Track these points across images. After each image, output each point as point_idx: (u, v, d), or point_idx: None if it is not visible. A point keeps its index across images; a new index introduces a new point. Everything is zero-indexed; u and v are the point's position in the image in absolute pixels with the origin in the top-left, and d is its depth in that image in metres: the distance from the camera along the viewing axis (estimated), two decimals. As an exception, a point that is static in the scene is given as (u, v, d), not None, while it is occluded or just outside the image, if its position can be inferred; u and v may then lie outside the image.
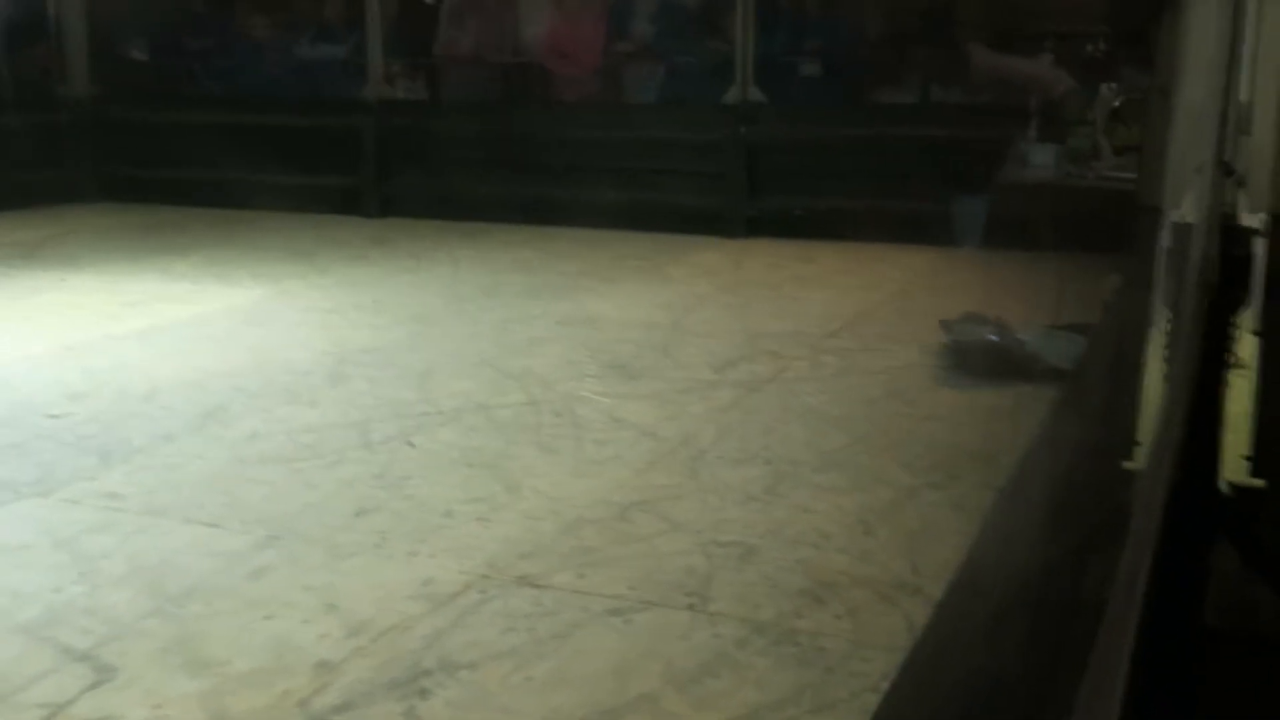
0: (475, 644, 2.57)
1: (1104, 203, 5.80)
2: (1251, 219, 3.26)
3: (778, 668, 2.49)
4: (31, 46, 10.07)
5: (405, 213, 8.93)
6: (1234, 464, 2.73)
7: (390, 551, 3.06)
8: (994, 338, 4.65)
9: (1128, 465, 2.08)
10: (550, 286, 6.48)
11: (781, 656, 2.53)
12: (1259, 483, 2.61)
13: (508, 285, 6.52)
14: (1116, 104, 6.43)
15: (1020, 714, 1.59)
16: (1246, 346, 3.01)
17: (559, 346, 5.14)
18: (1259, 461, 2.66)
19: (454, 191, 8.85)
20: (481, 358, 4.96)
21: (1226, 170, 3.17)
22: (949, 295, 6.30)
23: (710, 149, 8.19)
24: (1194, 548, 2.32)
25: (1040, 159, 6.26)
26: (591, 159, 8.53)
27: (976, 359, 4.56)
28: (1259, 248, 3.05)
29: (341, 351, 5.05)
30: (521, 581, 2.88)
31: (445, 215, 8.70)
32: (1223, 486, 2.55)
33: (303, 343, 5.23)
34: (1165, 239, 3.05)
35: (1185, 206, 3.05)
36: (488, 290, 6.39)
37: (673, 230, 8.06)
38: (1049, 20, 7.22)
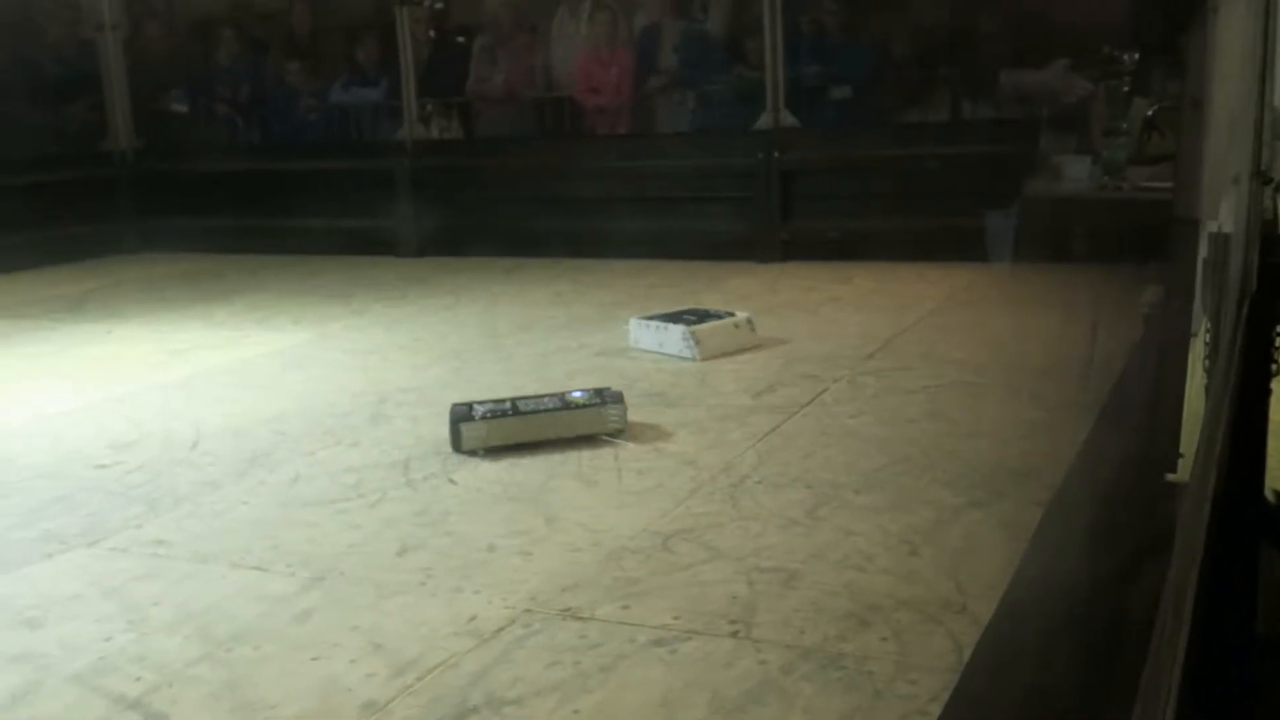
0: (521, 679, 2.57)
1: (1140, 214, 5.76)
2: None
3: (824, 693, 2.47)
4: (76, 103, 10.29)
5: (443, 251, 9.00)
6: (1278, 472, 2.70)
7: (434, 589, 3.07)
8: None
9: (1172, 478, 2.05)
10: (586, 319, 6.51)
11: (828, 681, 2.51)
12: (1306, 490, 2.58)
13: (544, 319, 6.55)
14: (1150, 113, 6.38)
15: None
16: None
17: (596, 378, 5.14)
18: (1306, 469, 2.63)
19: (490, 228, 8.91)
20: (520, 392, 4.97)
21: (1264, 179, 3.14)
22: (985, 311, 6.27)
23: (743, 175, 8.22)
24: (1242, 558, 2.29)
25: (1074, 171, 6.22)
26: (625, 190, 8.58)
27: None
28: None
29: (382, 391, 5.09)
30: (565, 614, 2.88)
31: (482, 252, 8.76)
32: (1268, 495, 2.52)
33: (343, 384, 5.28)
34: (1203, 249, 3.02)
35: (1223, 216, 3.02)
36: (524, 325, 6.42)
37: (707, 258, 8.08)
38: (1076, 32, 7.19)
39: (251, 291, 7.92)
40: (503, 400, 4.32)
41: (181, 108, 10.45)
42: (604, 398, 4.28)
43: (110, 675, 2.68)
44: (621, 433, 4.21)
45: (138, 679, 2.65)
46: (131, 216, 10.12)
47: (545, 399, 4.32)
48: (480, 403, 4.29)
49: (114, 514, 3.73)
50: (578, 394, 4.32)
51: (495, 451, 4.11)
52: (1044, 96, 7.03)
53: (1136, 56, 6.94)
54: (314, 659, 2.71)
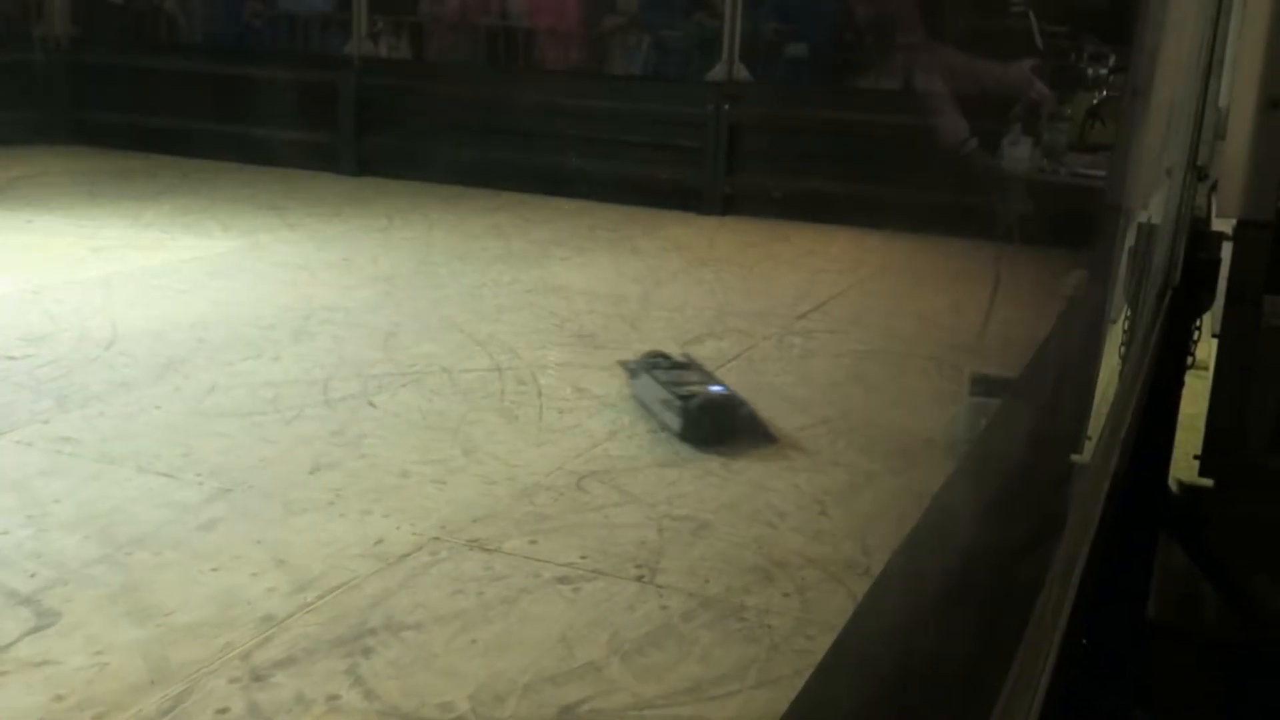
0: (422, 605, 2.57)
1: (1073, 199, 5.83)
2: (1221, 223, 3.28)
3: (723, 642, 2.50)
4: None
5: (382, 172, 8.86)
6: (1185, 464, 2.76)
7: (343, 509, 3.05)
8: (718, 389, 3.88)
9: (1076, 459, 2.09)
10: (522, 254, 6.46)
11: (728, 632, 2.55)
12: (1207, 482, 2.65)
13: (480, 251, 6.49)
14: (1095, 101, 6.44)
15: (945, 699, 1.61)
16: (1206, 349, 3.03)
17: (527, 314, 5.13)
18: (1209, 461, 2.70)
19: (432, 154, 8.78)
20: (448, 322, 4.94)
21: (1200, 174, 3.18)
22: (917, 282, 6.33)
23: (691, 124, 8.16)
24: (1139, 543, 2.35)
25: (1015, 152, 6.28)
26: (572, 128, 8.49)
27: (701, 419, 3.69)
28: (1226, 253, 3.07)
29: (308, 308, 5.02)
30: (473, 545, 2.88)
31: (422, 177, 8.64)
32: (1171, 485, 2.58)
33: (269, 298, 5.20)
34: (1130, 238, 3.06)
35: (1152, 207, 3.06)
36: (459, 254, 6.36)
37: (648, 204, 8.04)
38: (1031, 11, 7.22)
39: (182, 195, 7.75)
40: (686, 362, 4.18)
41: (121, -1, 10.14)
42: (688, 402, 3.73)
43: (3, 569, 2.63)
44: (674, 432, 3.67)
45: (32, 575, 2.61)
46: (63, 106, 9.82)
47: (697, 376, 4.05)
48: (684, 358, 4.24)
49: (22, 407, 3.66)
50: (715, 389, 3.90)
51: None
52: (1004, 91, 7.06)
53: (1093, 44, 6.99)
54: (215, 569, 2.69)
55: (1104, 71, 6.47)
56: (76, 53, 9.90)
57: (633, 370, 4.16)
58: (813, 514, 3.19)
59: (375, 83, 9.03)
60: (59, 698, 2.18)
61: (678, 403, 3.72)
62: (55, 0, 9.88)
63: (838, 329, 5.16)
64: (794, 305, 5.54)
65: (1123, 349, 2.32)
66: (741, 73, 8.12)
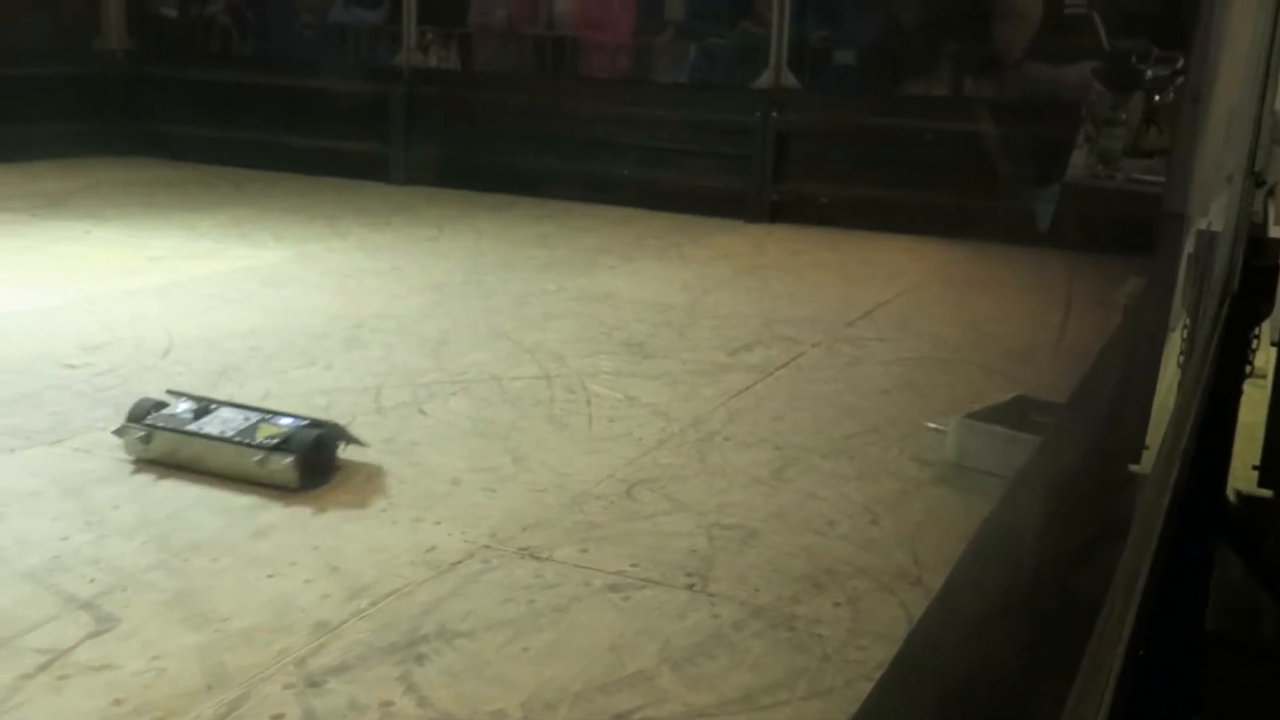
0: (474, 613, 2.58)
1: (1131, 205, 5.75)
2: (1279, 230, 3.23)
3: (774, 652, 2.49)
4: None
5: (431, 181, 8.94)
6: (1243, 473, 2.72)
7: (395, 517, 3.07)
8: (289, 420, 3.28)
9: (1134, 469, 2.06)
10: (570, 262, 6.48)
11: (778, 641, 2.53)
12: (1266, 493, 2.61)
13: (528, 259, 6.52)
14: (1149, 106, 6.37)
15: (1009, 711, 1.59)
16: (1264, 357, 2.99)
17: (575, 322, 5.14)
18: (1268, 471, 2.66)
19: (481, 162, 8.85)
20: (497, 330, 4.97)
21: (1258, 180, 3.13)
22: (968, 290, 6.29)
23: (739, 132, 8.17)
24: (1197, 554, 2.31)
25: (1070, 158, 6.22)
26: (619, 136, 8.52)
27: None
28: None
29: (358, 317, 5.07)
30: (524, 553, 2.89)
31: (471, 186, 8.71)
32: (1230, 495, 2.54)
33: (320, 306, 5.25)
34: (1189, 245, 3.02)
35: (1212, 214, 3.02)
36: (508, 262, 6.39)
37: (696, 212, 8.05)
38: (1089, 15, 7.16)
39: (235, 205, 7.85)
40: (203, 403, 3.44)
41: (174, 12, 10.30)
42: (290, 445, 3.19)
43: (63, 574, 2.67)
44: (292, 489, 3.14)
45: (91, 580, 2.65)
46: (120, 118, 9.99)
47: (242, 415, 3.35)
48: (179, 398, 3.47)
49: (80, 415, 3.71)
50: (284, 421, 3.31)
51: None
52: (1062, 92, 6.99)
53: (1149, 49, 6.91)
54: (270, 575, 2.72)
55: (1166, 74, 6.41)
56: (132, 65, 10.08)
57: (142, 436, 3.31)
58: (863, 523, 3.17)
59: (425, 93, 9.12)
60: (118, 702, 2.21)
61: (284, 455, 3.15)
62: (112, 14, 10.06)
63: (887, 336, 5.13)
64: (843, 313, 5.51)
65: (1182, 358, 2.29)
66: (789, 80, 8.11)
